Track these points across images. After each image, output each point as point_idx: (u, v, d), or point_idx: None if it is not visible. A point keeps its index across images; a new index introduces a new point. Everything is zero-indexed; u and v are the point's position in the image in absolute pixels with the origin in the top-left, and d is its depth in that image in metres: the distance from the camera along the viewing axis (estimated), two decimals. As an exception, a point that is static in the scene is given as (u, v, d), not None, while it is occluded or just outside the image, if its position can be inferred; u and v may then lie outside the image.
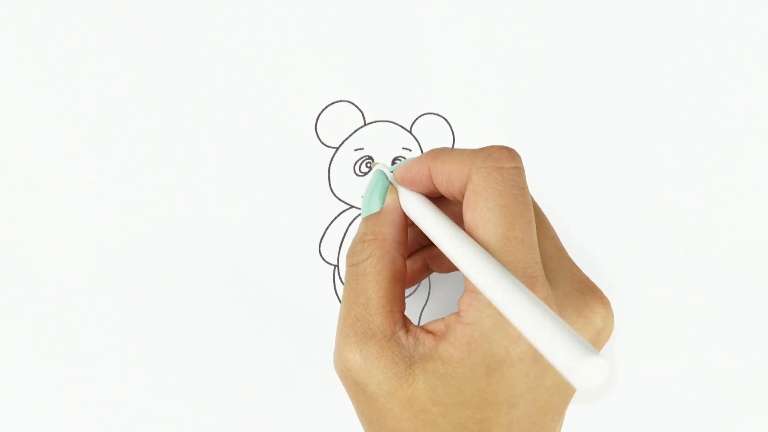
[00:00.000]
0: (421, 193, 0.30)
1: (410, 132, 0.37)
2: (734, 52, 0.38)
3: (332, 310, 0.36)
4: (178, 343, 0.36)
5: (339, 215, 0.37)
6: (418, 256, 0.33)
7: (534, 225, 0.27)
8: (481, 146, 0.28)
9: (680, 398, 0.37)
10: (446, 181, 0.28)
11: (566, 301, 0.27)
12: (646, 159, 0.37)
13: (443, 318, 0.27)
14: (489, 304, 0.25)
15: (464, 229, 0.27)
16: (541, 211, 0.30)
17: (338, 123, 0.37)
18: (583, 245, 0.37)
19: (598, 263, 0.37)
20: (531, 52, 0.37)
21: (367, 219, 0.30)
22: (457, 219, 0.30)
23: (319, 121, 0.37)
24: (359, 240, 0.30)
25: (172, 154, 0.36)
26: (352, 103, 0.37)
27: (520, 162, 0.27)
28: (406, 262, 0.30)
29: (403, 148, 0.37)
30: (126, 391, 0.35)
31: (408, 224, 0.30)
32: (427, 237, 0.29)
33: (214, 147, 0.36)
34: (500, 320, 0.25)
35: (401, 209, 0.30)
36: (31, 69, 0.36)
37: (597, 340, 0.28)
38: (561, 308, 0.27)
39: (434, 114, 0.37)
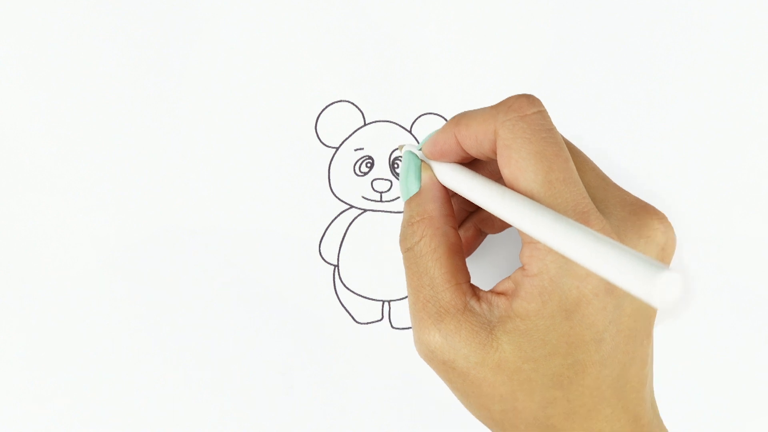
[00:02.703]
0: (455, 162, 0.30)
1: (410, 132, 0.37)
2: (734, 52, 0.38)
3: (332, 310, 0.36)
4: (178, 343, 0.36)
5: (339, 215, 0.37)
6: (468, 224, 0.33)
7: (571, 162, 0.26)
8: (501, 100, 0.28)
9: (680, 398, 0.37)
10: (475, 143, 0.28)
11: (623, 226, 0.27)
12: (646, 159, 0.37)
13: (509, 276, 0.27)
14: (550, 251, 0.25)
15: (505, 185, 0.27)
16: (574, 146, 0.30)
17: (338, 123, 0.37)
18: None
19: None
20: (531, 52, 0.37)
21: (409, 201, 0.30)
22: (496, 177, 0.30)
23: (319, 121, 0.37)
24: (407, 223, 0.29)
25: (173, 154, 0.36)
26: (352, 103, 0.37)
27: (542, 105, 0.27)
28: (459, 233, 0.30)
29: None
30: (126, 390, 0.35)
31: (450, 196, 0.30)
32: (472, 203, 0.29)
33: (214, 147, 0.36)
34: (565, 263, 0.25)
35: (440, 183, 0.30)
36: (31, 69, 0.36)
37: (663, 256, 0.28)
38: (620, 234, 0.27)
39: (434, 114, 0.37)
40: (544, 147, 0.26)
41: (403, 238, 0.29)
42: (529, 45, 0.37)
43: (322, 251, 0.36)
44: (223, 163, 0.36)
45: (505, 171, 0.27)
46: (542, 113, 0.27)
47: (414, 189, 0.30)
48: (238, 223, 0.36)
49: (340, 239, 0.36)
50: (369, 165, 0.37)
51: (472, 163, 0.30)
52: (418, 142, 0.37)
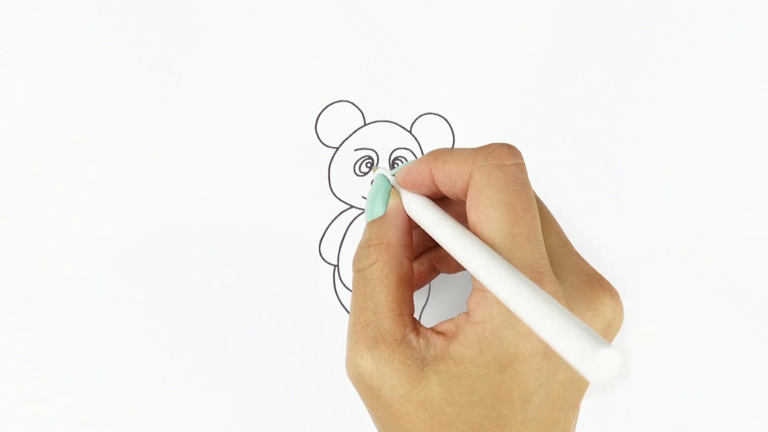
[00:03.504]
0: (424, 195, 0.30)
1: (410, 132, 0.37)
2: (734, 52, 0.38)
3: (332, 310, 0.36)
4: (178, 343, 0.36)
5: (339, 215, 0.37)
6: (424, 258, 0.33)
7: (538, 220, 0.27)
8: (482, 144, 0.28)
9: (680, 398, 0.37)
10: (448, 181, 0.28)
11: (575, 294, 0.27)
12: (646, 159, 0.37)
13: (453, 318, 0.27)
14: (498, 302, 0.25)
15: (469, 229, 0.27)
16: (544, 206, 0.30)
17: (338, 123, 0.37)
18: (583, 245, 0.37)
19: (598, 263, 0.37)
20: (531, 52, 0.37)
21: (371, 224, 0.30)
22: (461, 219, 0.30)
23: (319, 121, 0.37)
24: (364, 245, 0.30)
25: (173, 154, 0.36)
26: (352, 103, 0.37)
27: (521, 158, 0.27)
28: (413, 265, 0.30)
29: (404, 148, 0.37)
30: (126, 390, 0.35)
31: (412, 227, 0.30)
32: (432, 239, 0.29)
33: (215, 147, 0.37)
34: (510, 317, 0.25)
35: (405, 212, 0.30)
36: (31, 69, 0.36)
37: (607, 332, 0.28)
38: (570, 301, 0.27)
39: (434, 114, 0.37)
40: (515, 199, 0.26)
41: (357, 259, 0.30)
42: (529, 45, 0.37)
43: (322, 251, 0.36)
44: (223, 163, 0.36)
45: (472, 215, 0.27)
46: (520, 166, 0.27)
47: (379, 212, 0.30)
48: (238, 223, 0.36)
49: (340, 239, 0.36)
50: (369, 165, 0.37)
51: (441, 200, 0.30)
52: (419, 144, 0.37)
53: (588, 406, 0.37)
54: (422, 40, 0.37)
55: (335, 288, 0.36)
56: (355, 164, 0.37)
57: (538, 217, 0.27)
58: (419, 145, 0.37)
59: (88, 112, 0.36)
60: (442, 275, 0.36)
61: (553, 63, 0.37)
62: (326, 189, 0.37)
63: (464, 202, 0.28)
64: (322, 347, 0.36)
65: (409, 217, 0.30)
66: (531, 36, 0.37)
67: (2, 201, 0.36)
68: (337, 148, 0.37)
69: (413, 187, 0.30)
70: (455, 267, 0.33)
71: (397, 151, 0.37)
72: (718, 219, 0.37)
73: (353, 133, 0.37)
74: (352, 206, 0.37)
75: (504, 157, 0.27)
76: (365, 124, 0.37)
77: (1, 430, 0.35)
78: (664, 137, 0.37)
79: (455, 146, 0.37)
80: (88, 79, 0.36)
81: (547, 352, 0.26)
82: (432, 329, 0.28)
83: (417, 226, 0.30)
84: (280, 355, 0.36)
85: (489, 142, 0.28)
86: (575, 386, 0.27)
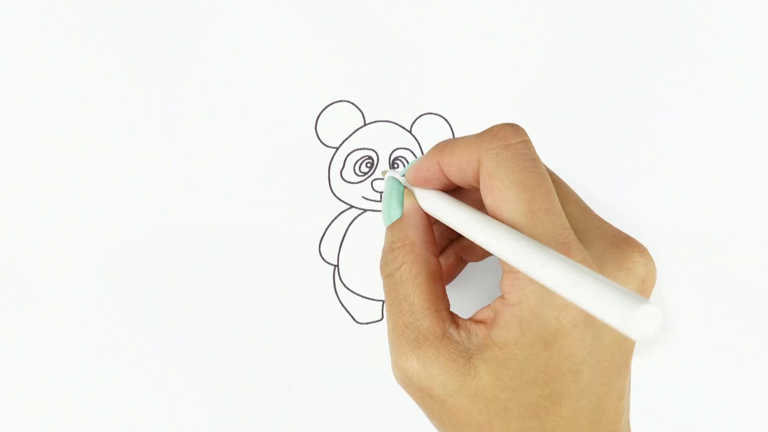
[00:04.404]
0: (437, 189, 0.30)
1: (410, 132, 0.37)
2: (734, 52, 0.38)
3: (332, 310, 0.36)
4: (178, 343, 0.36)
5: (339, 215, 0.37)
6: (449, 251, 0.33)
7: (554, 193, 0.26)
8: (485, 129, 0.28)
9: (680, 398, 0.37)
10: (458, 171, 0.28)
11: (604, 258, 0.27)
12: (646, 159, 0.37)
13: (489, 305, 0.27)
14: (530, 281, 0.25)
15: (487, 214, 0.27)
16: (557, 177, 0.30)
17: (338, 123, 0.37)
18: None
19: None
20: (531, 52, 0.37)
21: (390, 227, 0.30)
22: (478, 206, 0.30)
23: (319, 121, 0.37)
24: (388, 249, 0.30)
25: (173, 154, 0.36)
26: (352, 103, 0.37)
27: (526, 135, 0.27)
28: (440, 260, 0.30)
29: (404, 148, 0.37)
30: (126, 390, 0.35)
31: (432, 223, 0.30)
32: (454, 231, 0.29)
33: (215, 147, 0.37)
34: (545, 293, 0.25)
35: (422, 210, 0.30)
36: (31, 69, 0.36)
37: (643, 289, 0.28)
38: (600, 266, 0.27)
39: (434, 114, 0.37)
40: (527, 176, 0.26)
41: (384, 264, 0.30)
42: (529, 45, 0.37)
43: (322, 251, 0.36)
44: (223, 163, 0.36)
45: (488, 200, 0.27)
46: (526, 143, 0.27)
47: (396, 215, 0.30)
48: (238, 223, 0.36)
49: (340, 239, 0.36)
50: (369, 165, 0.37)
51: (455, 190, 0.30)
52: (419, 144, 0.37)
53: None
54: (422, 40, 0.37)
55: (335, 288, 0.36)
56: (355, 164, 0.37)
57: (553, 189, 0.26)
58: (419, 145, 0.37)
59: (88, 112, 0.36)
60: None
61: (553, 63, 0.37)
62: (326, 189, 0.37)
63: (478, 189, 0.28)
64: (322, 347, 0.36)
65: (426, 214, 0.30)
66: (531, 36, 0.37)
67: (2, 201, 0.36)
68: (337, 148, 0.37)
69: (425, 184, 0.30)
70: (481, 254, 0.33)
71: (397, 151, 0.37)
72: (718, 219, 0.37)
73: (353, 133, 0.37)
74: (352, 206, 0.37)
75: (509, 137, 0.27)
76: (365, 124, 0.37)
77: (1, 430, 0.35)
78: (664, 137, 0.37)
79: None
80: (88, 79, 0.36)
81: (588, 320, 0.26)
82: (471, 319, 0.28)
83: (437, 222, 0.30)
84: (280, 355, 0.36)
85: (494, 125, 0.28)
86: (622, 348, 0.27)
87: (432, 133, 0.37)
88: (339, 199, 0.37)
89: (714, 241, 0.37)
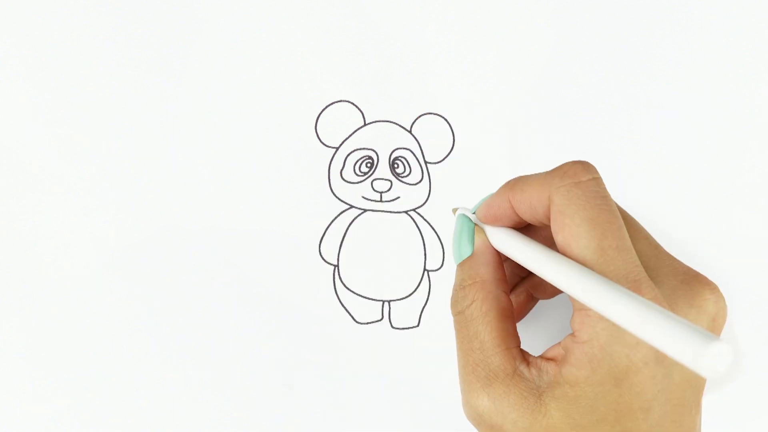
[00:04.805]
0: (507, 227, 0.30)
1: (410, 132, 0.37)
2: (734, 52, 0.38)
3: (332, 310, 0.36)
4: (178, 343, 0.36)
5: (339, 215, 0.37)
6: (520, 289, 0.33)
7: (624, 230, 0.27)
8: (550, 165, 0.28)
9: None
10: (529, 208, 0.28)
11: (675, 295, 0.27)
12: (646, 159, 0.37)
13: (559, 342, 0.28)
14: (601, 318, 0.26)
15: (557, 251, 0.27)
16: (628, 214, 0.30)
17: (338, 123, 0.37)
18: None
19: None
20: (531, 52, 0.37)
21: (461, 265, 0.30)
22: (548, 243, 0.30)
23: (319, 121, 0.37)
24: (459, 287, 0.30)
25: (173, 154, 0.36)
26: (352, 103, 0.37)
27: (596, 172, 0.27)
28: (510, 297, 0.30)
29: (404, 148, 0.37)
30: (126, 390, 0.35)
31: (503, 260, 0.31)
32: (524, 268, 0.29)
33: (215, 147, 0.37)
34: (615, 330, 0.25)
35: (492, 248, 0.30)
36: (31, 69, 0.36)
37: (714, 326, 0.28)
38: (671, 303, 0.27)
39: (434, 114, 0.37)
40: (597, 214, 0.26)
41: (455, 302, 0.30)
42: (529, 45, 0.37)
43: (322, 251, 0.36)
44: (223, 163, 0.36)
45: (559, 237, 0.27)
46: (597, 180, 0.27)
47: (467, 252, 0.30)
48: (238, 223, 0.36)
49: (340, 239, 0.36)
50: (369, 165, 0.37)
51: (525, 228, 0.31)
52: (420, 146, 0.37)
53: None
54: (422, 40, 0.37)
55: (335, 288, 0.36)
56: (355, 164, 0.37)
57: (623, 227, 0.27)
58: (419, 145, 0.37)
59: (88, 112, 0.36)
60: (441, 275, 0.36)
61: (553, 63, 0.37)
62: (326, 189, 0.37)
63: (549, 226, 0.28)
64: (322, 347, 0.36)
65: (497, 251, 0.30)
66: (531, 36, 0.37)
67: (2, 201, 0.36)
68: (337, 148, 0.37)
69: (495, 221, 0.30)
70: (552, 292, 0.33)
71: (397, 151, 0.37)
72: (718, 219, 0.37)
73: (353, 133, 0.37)
74: (352, 206, 0.37)
75: (579, 174, 0.27)
76: (365, 124, 0.37)
77: (1, 430, 0.35)
78: (664, 137, 0.37)
79: (456, 147, 0.37)
80: (88, 79, 0.36)
81: (659, 358, 0.26)
82: (541, 357, 0.28)
83: (507, 259, 0.31)
84: (280, 355, 0.36)
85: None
86: (693, 386, 0.27)
87: (432, 133, 0.37)
88: (339, 199, 0.37)
89: (714, 241, 0.37)
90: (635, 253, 0.27)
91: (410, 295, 0.36)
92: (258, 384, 0.36)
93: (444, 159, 0.37)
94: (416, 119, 0.37)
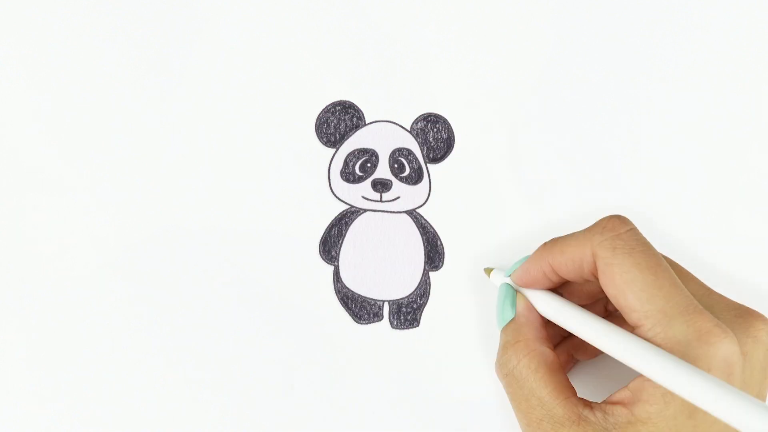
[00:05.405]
0: (546, 288, 0.31)
1: (410, 132, 0.37)
2: (734, 52, 0.38)
3: (332, 309, 0.36)
4: (178, 343, 0.36)
5: (339, 215, 0.37)
6: (560, 349, 0.34)
7: (672, 271, 0.28)
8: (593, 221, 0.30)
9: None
10: (572, 267, 0.29)
11: (731, 327, 0.28)
12: (646, 159, 0.37)
13: (625, 386, 0.28)
14: None
15: (611, 302, 0.28)
16: (671, 259, 0.31)
17: (338, 123, 0.37)
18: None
19: (598, 263, 0.37)
20: (531, 52, 0.37)
21: (505, 328, 0.32)
22: (588, 297, 0.32)
23: (319, 121, 0.37)
24: (503, 349, 0.31)
25: (173, 154, 0.36)
26: (352, 103, 0.37)
27: (632, 224, 0.29)
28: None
29: (404, 149, 0.37)
30: (126, 390, 0.35)
31: (545, 320, 0.31)
32: (563, 329, 0.30)
33: (214, 147, 0.37)
34: None
35: (534, 309, 0.31)
36: (31, 69, 0.37)
37: None
38: None
39: (434, 113, 0.37)
40: (645, 259, 0.28)
41: (501, 364, 0.31)
42: (529, 45, 0.37)
43: (322, 251, 0.36)
44: (223, 163, 0.36)
45: (610, 289, 0.28)
46: (635, 230, 0.29)
47: (510, 316, 0.32)
48: (238, 223, 0.36)
49: (340, 239, 0.36)
50: (369, 165, 0.37)
51: (562, 285, 0.32)
52: (420, 146, 0.37)
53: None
54: (422, 40, 0.37)
55: (335, 288, 0.36)
56: (355, 164, 0.37)
57: (670, 268, 0.28)
58: (419, 146, 0.37)
59: (88, 112, 0.36)
60: (440, 276, 0.36)
61: (553, 63, 0.37)
62: (326, 189, 0.37)
63: (590, 282, 0.30)
64: (322, 347, 0.36)
65: (539, 313, 0.31)
66: (531, 36, 0.37)
67: (2, 201, 0.36)
68: (337, 148, 0.37)
69: (534, 285, 0.31)
70: (592, 352, 0.34)
71: (397, 151, 0.37)
72: (718, 219, 0.37)
73: (353, 133, 0.37)
74: (352, 206, 0.37)
75: (618, 227, 0.29)
76: (365, 124, 0.37)
77: (1, 430, 0.35)
78: (664, 137, 0.37)
79: (458, 150, 0.37)
80: (88, 79, 0.36)
81: None
82: (605, 402, 0.29)
83: (547, 320, 0.32)
84: (280, 355, 0.36)
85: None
86: None
87: (432, 134, 0.37)
88: (339, 199, 0.37)
89: (714, 241, 0.37)
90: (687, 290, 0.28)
91: (410, 295, 0.36)
92: (258, 384, 0.36)
93: (444, 158, 0.37)
94: (416, 119, 0.37)
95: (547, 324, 0.32)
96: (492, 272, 0.34)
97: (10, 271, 0.36)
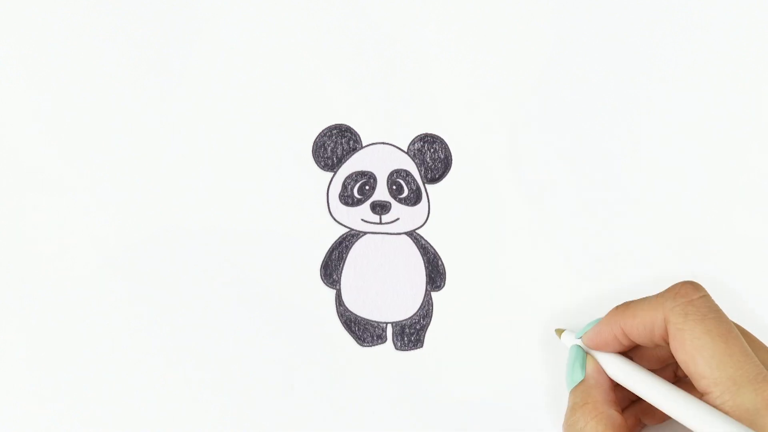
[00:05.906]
0: (616, 351, 0.32)
1: (407, 153, 0.37)
2: (734, 52, 0.38)
3: (332, 309, 0.36)
4: (178, 343, 0.36)
5: (339, 239, 0.36)
6: (628, 413, 0.34)
7: (742, 338, 0.28)
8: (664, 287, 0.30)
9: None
10: (644, 331, 0.30)
11: None
12: (646, 159, 0.37)
13: None
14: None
15: (681, 368, 0.29)
16: (741, 327, 0.32)
17: (335, 147, 0.37)
18: (583, 245, 0.37)
19: (598, 263, 0.37)
20: (531, 52, 0.37)
21: (573, 390, 0.32)
22: (658, 362, 0.32)
23: (315, 145, 0.36)
24: (573, 410, 0.31)
25: (173, 154, 0.36)
26: (349, 126, 0.37)
27: (705, 290, 0.30)
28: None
29: (401, 169, 0.37)
30: (126, 390, 0.35)
31: (614, 383, 0.32)
32: (632, 393, 0.31)
33: (214, 147, 0.36)
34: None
35: (603, 372, 0.32)
36: (31, 69, 0.36)
37: None
38: None
39: (431, 134, 0.37)
40: (716, 325, 0.28)
41: (569, 425, 0.31)
42: (529, 45, 0.37)
43: (323, 275, 0.36)
44: (223, 164, 0.36)
45: (680, 354, 0.28)
46: (707, 297, 0.29)
47: (579, 377, 0.32)
48: (238, 223, 0.36)
49: (341, 263, 0.36)
50: (368, 188, 0.36)
51: (633, 349, 0.32)
52: (417, 167, 0.37)
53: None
54: (422, 40, 0.37)
55: (338, 311, 0.36)
56: (353, 187, 0.36)
57: (740, 336, 0.28)
58: (416, 167, 0.37)
59: (88, 111, 0.36)
60: (443, 296, 0.36)
61: (553, 63, 0.37)
62: (325, 213, 0.36)
63: (660, 346, 0.30)
64: (322, 347, 0.36)
65: (607, 376, 0.32)
66: (531, 36, 0.37)
67: (2, 201, 0.36)
68: (335, 172, 0.36)
69: (605, 347, 0.32)
70: (661, 417, 0.34)
71: (395, 173, 0.36)
72: (718, 219, 0.37)
73: (351, 156, 0.37)
74: (352, 229, 0.36)
75: (690, 293, 0.29)
76: (362, 147, 0.37)
77: (1, 430, 0.35)
78: (664, 137, 0.37)
79: (455, 167, 0.37)
80: (88, 79, 0.36)
81: None
82: None
83: (616, 384, 0.32)
84: (280, 355, 0.36)
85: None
86: None
87: (429, 154, 0.37)
88: (338, 222, 0.36)
89: (714, 241, 0.37)
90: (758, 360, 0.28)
91: (413, 316, 0.36)
92: (258, 384, 0.36)
93: (442, 179, 0.37)
94: (413, 140, 0.37)
95: (616, 387, 0.32)
96: (563, 333, 0.34)
97: (10, 271, 0.36)
